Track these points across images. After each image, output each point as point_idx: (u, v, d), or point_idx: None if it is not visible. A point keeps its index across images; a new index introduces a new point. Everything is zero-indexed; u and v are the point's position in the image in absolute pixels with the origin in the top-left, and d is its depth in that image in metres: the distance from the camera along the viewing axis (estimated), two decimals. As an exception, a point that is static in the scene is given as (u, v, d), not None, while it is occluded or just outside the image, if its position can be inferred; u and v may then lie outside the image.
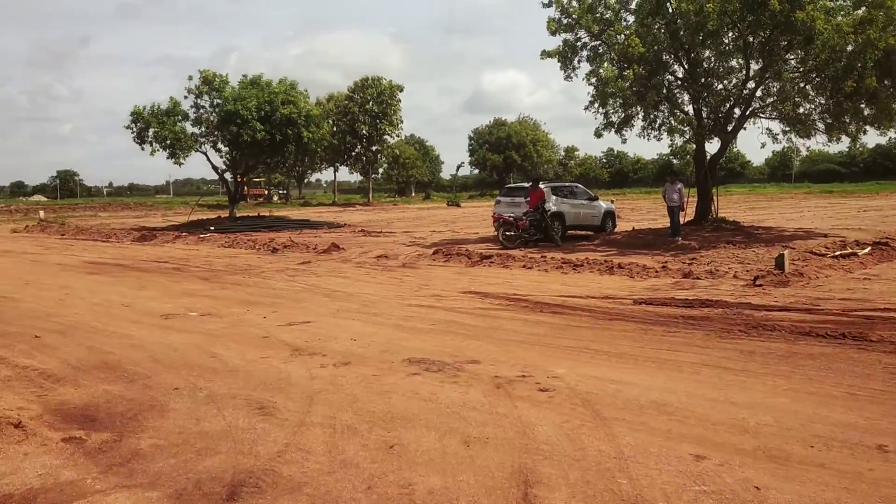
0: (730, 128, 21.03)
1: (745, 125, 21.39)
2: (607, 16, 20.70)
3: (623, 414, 5.53)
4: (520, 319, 9.59)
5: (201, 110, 32.59)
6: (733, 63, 21.05)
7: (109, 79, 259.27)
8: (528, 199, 20.82)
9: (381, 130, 70.71)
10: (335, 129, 67.38)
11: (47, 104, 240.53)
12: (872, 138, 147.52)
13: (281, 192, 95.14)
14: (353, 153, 75.00)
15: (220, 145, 33.27)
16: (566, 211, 21.87)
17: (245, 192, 66.02)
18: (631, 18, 20.82)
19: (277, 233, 27.92)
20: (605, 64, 20.24)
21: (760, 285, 11.84)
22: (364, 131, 70.92)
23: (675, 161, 68.80)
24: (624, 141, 22.89)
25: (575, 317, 9.73)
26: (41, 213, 45.30)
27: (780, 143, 22.32)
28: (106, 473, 4.48)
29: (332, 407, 5.81)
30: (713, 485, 4.18)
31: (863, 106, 19.13)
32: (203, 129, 32.58)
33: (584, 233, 22.95)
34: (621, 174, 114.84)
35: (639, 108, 21.54)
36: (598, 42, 21.08)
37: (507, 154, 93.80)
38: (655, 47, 19.73)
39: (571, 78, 21.96)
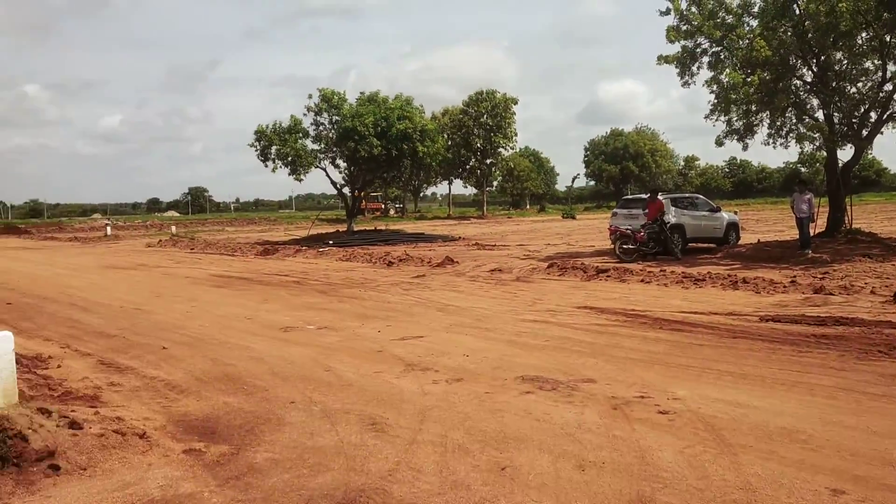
0: (864, 133, 19.77)
1: (881, 130, 20.05)
2: (729, 20, 19.92)
3: (750, 441, 5.19)
4: (638, 336, 9.26)
5: (321, 127, 33.66)
6: (868, 65, 19.79)
7: (237, 99, 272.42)
8: (647, 210, 20.25)
9: (495, 143, 70.88)
10: (450, 142, 68.06)
11: (181, 125, 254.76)
12: None
13: (397, 205, 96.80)
14: (468, 166, 75.49)
15: (338, 161, 34.22)
16: (686, 223, 21.14)
17: (362, 206, 67.63)
18: (754, 22, 19.97)
19: (393, 246, 28.35)
20: (728, 70, 19.46)
21: (902, 302, 11.01)
22: (478, 144, 71.30)
23: (803, 169, 65.77)
24: (745, 149, 21.96)
25: (697, 334, 9.31)
26: (173, 229, 47.86)
27: (922, 148, 20.78)
28: (223, 487, 4.57)
29: (444, 425, 5.74)
30: (854, 524, 3.84)
31: None
32: (322, 145, 33.60)
33: (705, 246, 22.12)
34: (745, 184, 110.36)
35: (763, 115, 20.60)
36: (720, 48, 20.31)
37: (623, 165, 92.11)
38: (782, 51, 18.82)
39: (689, 85, 21.31)
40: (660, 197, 20.61)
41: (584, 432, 5.47)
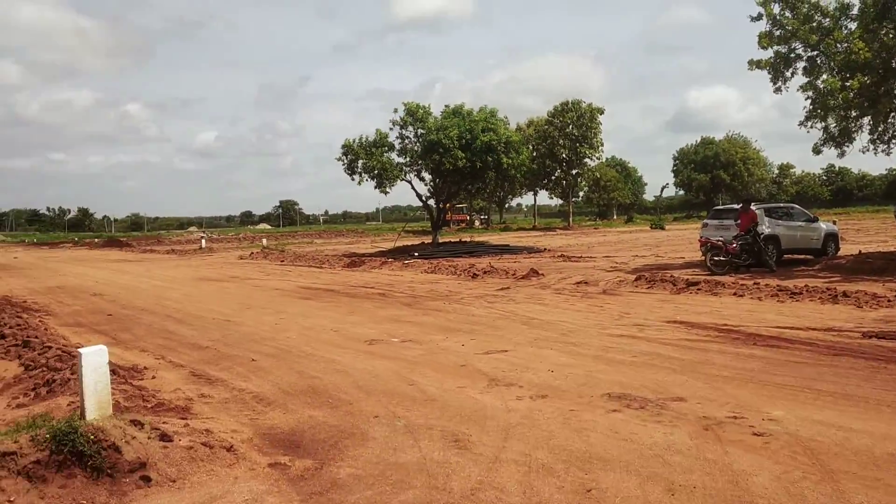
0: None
1: None
2: (825, 24, 19.13)
3: (853, 467, 4.89)
4: (730, 353, 8.91)
5: (406, 141, 33.98)
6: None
7: (325, 114, 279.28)
8: (739, 221, 19.59)
9: (581, 154, 70.26)
10: (535, 153, 67.78)
11: (272, 140, 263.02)
12: None
13: (482, 217, 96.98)
14: (553, 177, 75.08)
15: (423, 174, 34.49)
16: (781, 233, 20.34)
17: (447, 217, 67.98)
18: (853, 25, 19.11)
19: (478, 258, 28.32)
20: (825, 75, 18.68)
21: None
22: (564, 155, 70.80)
23: (908, 176, 62.50)
24: (842, 156, 20.99)
25: (794, 351, 8.89)
26: (264, 241, 49.14)
27: None
28: (306, 502, 4.59)
29: (528, 443, 5.63)
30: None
31: None
32: (408, 158, 33.91)
33: (802, 257, 21.23)
34: (844, 192, 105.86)
35: (863, 121, 19.67)
36: (816, 52, 19.52)
37: (714, 174, 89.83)
38: (884, 54, 17.93)
39: (782, 91, 20.53)
40: (753, 207, 19.90)
41: (673, 454, 5.27)
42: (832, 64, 18.88)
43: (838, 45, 18.55)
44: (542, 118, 73.33)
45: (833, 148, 20.51)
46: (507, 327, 11.51)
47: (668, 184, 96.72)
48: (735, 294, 14.40)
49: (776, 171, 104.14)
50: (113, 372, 7.87)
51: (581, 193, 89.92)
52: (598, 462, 5.16)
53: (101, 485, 4.57)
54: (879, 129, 19.94)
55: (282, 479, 5.01)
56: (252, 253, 38.24)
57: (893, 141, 19.96)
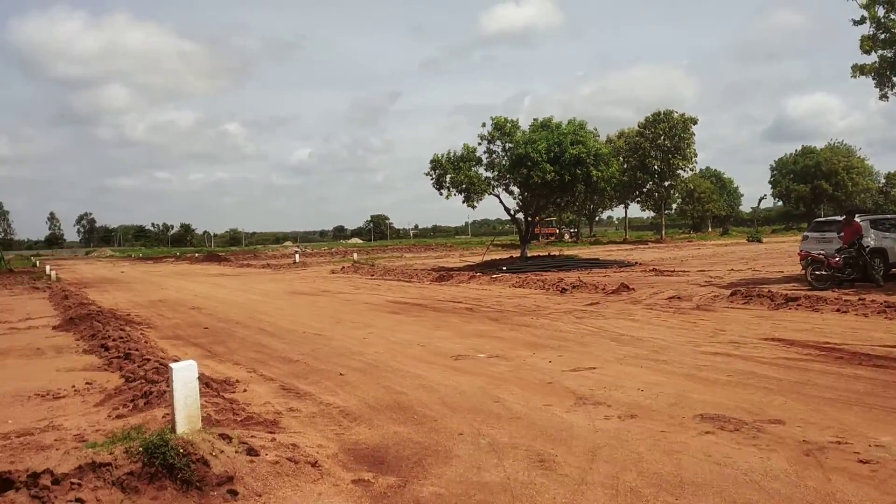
0: None
1: None
2: (936, 23, 18.15)
3: (972, 500, 4.54)
4: (833, 373, 8.46)
5: (493, 155, 33.96)
6: None
7: (415, 129, 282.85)
8: (842, 233, 18.68)
9: (673, 165, 68.79)
10: (625, 165, 66.80)
11: (364, 156, 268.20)
12: None
13: (572, 230, 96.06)
14: (645, 189, 73.72)
15: (511, 187, 34.36)
16: (889, 246, 19.29)
17: (536, 231, 67.56)
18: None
19: (567, 272, 28.00)
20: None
21: None
22: (655, 167, 69.44)
23: None
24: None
25: (903, 372, 8.37)
26: (354, 255, 50.00)
27: None
28: (388, 520, 4.57)
29: (615, 465, 5.47)
30: None
31: None
32: (495, 172, 33.86)
33: (912, 271, 20.08)
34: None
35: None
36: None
37: (815, 184, 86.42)
38: None
39: (888, 97, 19.52)
40: (857, 219, 18.96)
41: (770, 480, 5.01)
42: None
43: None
44: (633, 129, 72.23)
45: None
46: (596, 344, 11.28)
47: (765, 195, 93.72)
48: (838, 310, 13.71)
49: (883, 181, 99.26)
50: (206, 385, 8.12)
51: (674, 206, 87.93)
52: (690, 487, 4.95)
53: (190, 497, 4.67)
54: None
55: (365, 496, 5.01)
56: (343, 267, 38.93)
57: None
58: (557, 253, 42.67)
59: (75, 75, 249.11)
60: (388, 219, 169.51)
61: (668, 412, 6.95)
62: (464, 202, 33.88)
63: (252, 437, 5.69)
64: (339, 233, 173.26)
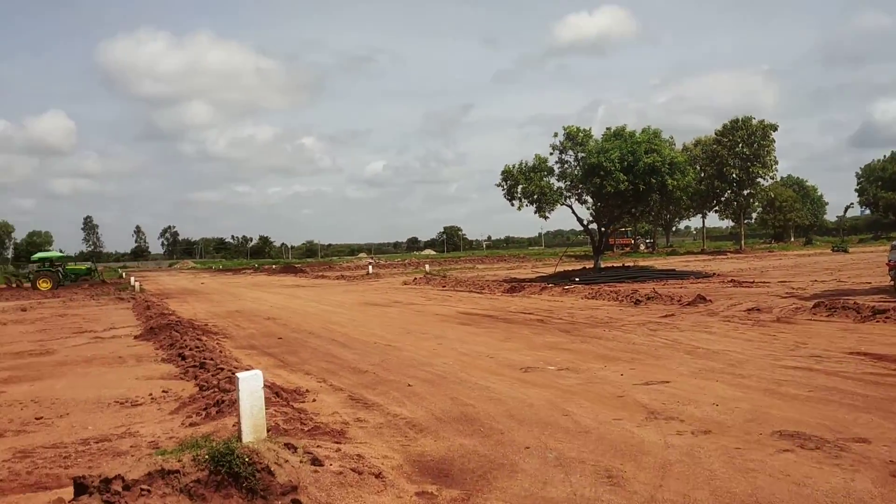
0: None
1: None
2: None
3: None
4: (924, 389, 8.01)
5: (565, 165, 33.63)
6: None
7: (488, 141, 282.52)
8: (934, 242, 17.78)
9: (752, 173, 66.95)
10: (702, 174, 65.35)
11: (437, 167, 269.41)
12: None
13: (648, 241, 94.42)
14: (723, 198, 71.93)
15: (584, 197, 33.94)
16: None
17: (611, 242, 66.64)
18: None
19: (641, 284, 27.48)
20: None
21: None
22: (734, 175, 67.68)
23: None
24: None
25: None
26: (426, 267, 50.26)
27: None
28: (450, 534, 4.51)
29: (687, 482, 5.28)
30: None
31: None
32: (568, 182, 33.52)
33: None
34: None
35: None
36: None
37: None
38: None
39: None
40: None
41: (853, 502, 4.75)
42: None
43: None
44: (710, 137, 70.66)
45: None
46: (670, 356, 10.99)
47: (852, 203, 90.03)
48: (930, 323, 13.03)
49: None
50: (276, 394, 8.23)
51: (754, 215, 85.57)
52: (766, 508, 4.73)
53: (254, 506, 4.71)
54: None
55: (428, 508, 4.96)
56: (415, 278, 39.14)
57: None
58: (632, 264, 41.96)
59: (159, 93, 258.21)
60: (460, 230, 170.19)
61: (745, 428, 6.68)
62: (535, 213, 33.65)
63: (318, 446, 5.71)
64: (413, 244, 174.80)
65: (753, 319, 15.11)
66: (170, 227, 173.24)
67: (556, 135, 33.75)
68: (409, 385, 9.51)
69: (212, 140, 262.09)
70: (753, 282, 26.03)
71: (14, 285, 48.27)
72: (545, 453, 6.17)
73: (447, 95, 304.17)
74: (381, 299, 26.56)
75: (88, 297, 34.73)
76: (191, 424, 7.60)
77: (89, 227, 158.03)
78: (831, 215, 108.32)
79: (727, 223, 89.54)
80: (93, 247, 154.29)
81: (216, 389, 8.69)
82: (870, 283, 22.66)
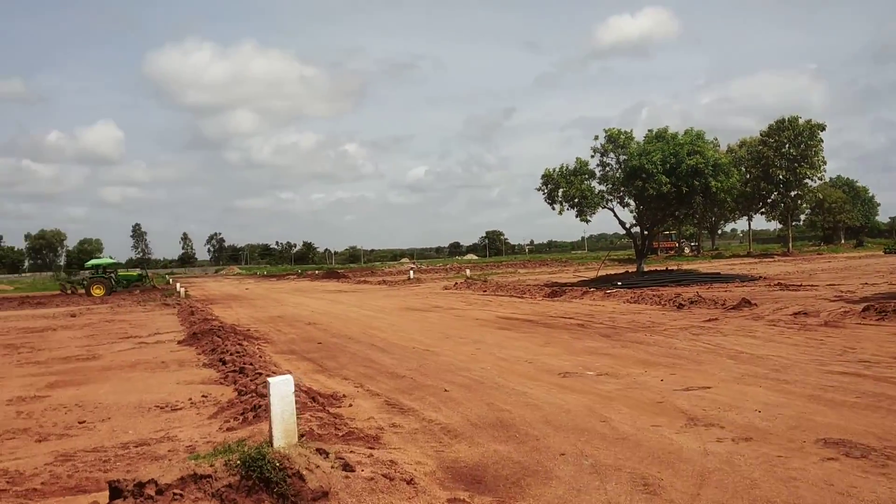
0: None
1: None
2: None
3: None
4: (978, 396, 7.72)
5: (607, 168, 33.34)
6: None
7: (530, 145, 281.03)
8: None
9: (799, 174, 65.59)
10: (747, 175, 64.27)
11: (479, 172, 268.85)
12: None
13: (692, 244, 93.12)
14: (769, 200, 70.62)
15: (626, 200, 33.60)
16: None
17: (655, 245, 65.85)
18: None
19: (685, 287, 27.07)
20: None
21: None
22: (780, 176, 66.38)
23: None
24: None
25: None
26: (467, 272, 50.19)
27: None
28: (480, 542, 4.45)
29: (725, 491, 5.14)
30: None
31: None
32: (609, 185, 33.21)
33: None
34: None
35: None
36: None
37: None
38: None
39: None
40: None
41: (901, 514, 4.58)
42: None
43: None
44: (755, 138, 69.44)
45: None
46: (712, 362, 10.77)
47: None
48: None
49: None
50: (312, 399, 8.26)
51: (802, 217, 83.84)
52: (807, 518, 4.59)
53: (285, 511, 4.71)
54: None
55: (459, 515, 4.91)
56: (456, 283, 39.10)
57: None
58: (675, 267, 41.36)
59: (205, 102, 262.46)
60: (502, 235, 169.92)
61: (787, 436, 6.50)
62: (577, 217, 33.40)
63: (351, 452, 5.70)
64: (455, 249, 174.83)
65: (800, 323, 14.76)
66: (216, 233, 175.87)
67: (596, 137, 33.57)
68: (446, 390, 9.47)
69: (256, 148, 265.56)
70: (801, 285, 25.47)
71: (69, 292, 49.49)
72: (581, 460, 6.07)
73: (489, 100, 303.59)
74: (421, 304, 26.58)
75: (135, 303, 35.40)
76: (228, 429, 7.65)
77: (138, 234, 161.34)
78: (884, 216, 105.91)
79: (775, 225, 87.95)
80: (141, 254, 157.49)
81: (254, 394, 8.74)
82: (923, 285, 22.00)
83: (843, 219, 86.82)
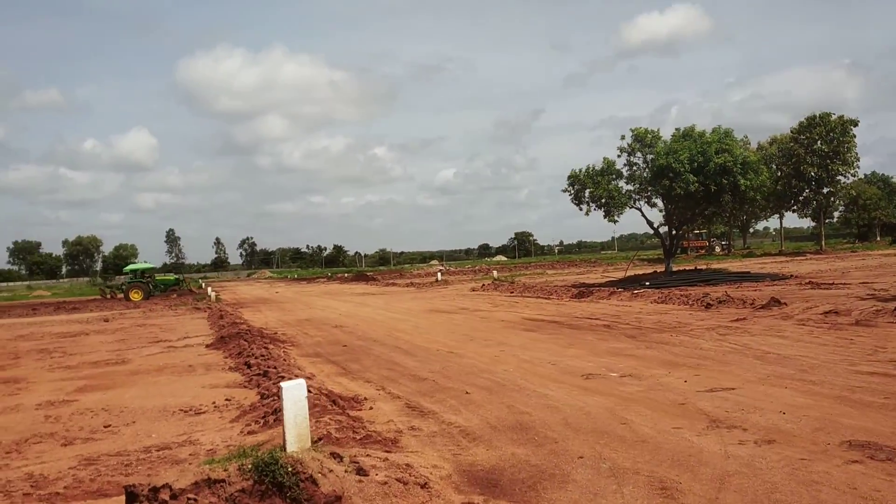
0: None
1: None
2: None
3: None
4: None
5: (634, 167, 33.07)
6: None
7: (558, 146, 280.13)
8: None
9: (832, 171, 64.53)
10: (779, 173, 63.42)
11: (507, 174, 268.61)
12: None
13: (723, 242, 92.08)
14: (801, 198, 69.59)
15: (654, 200, 33.32)
16: None
17: (685, 244, 65.24)
18: None
19: (713, 287, 26.75)
20: None
21: None
22: (812, 173, 65.36)
23: None
24: None
25: None
26: (494, 273, 50.07)
27: None
28: (493, 547, 4.42)
29: (745, 495, 5.06)
30: None
31: None
32: (636, 185, 32.95)
33: None
34: None
35: None
36: None
37: None
38: None
39: None
40: None
41: (925, 518, 4.47)
42: None
43: None
44: (786, 135, 68.49)
45: None
46: (738, 362, 10.62)
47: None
48: None
49: None
50: (333, 402, 8.28)
51: (836, 214, 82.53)
52: (828, 523, 4.50)
53: (298, 515, 4.72)
54: None
55: (473, 520, 4.89)
56: (483, 285, 39.03)
57: None
58: (705, 267, 40.90)
59: (237, 109, 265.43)
60: (531, 235, 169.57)
61: (812, 438, 6.39)
62: (604, 217, 33.17)
63: (367, 455, 5.70)
64: (484, 251, 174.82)
65: (830, 323, 14.51)
66: (248, 238, 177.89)
67: (623, 137, 33.28)
68: (467, 393, 9.44)
69: (287, 152, 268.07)
70: (833, 283, 25.05)
71: (108, 296, 50.33)
72: (599, 463, 6.02)
73: (517, 101, 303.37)
74: (447, 306, 26.57)
75: (167, 308, 35.84)
76: (249, 433, 7.70)
77: (172, 239, 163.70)
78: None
79: (807, 223, 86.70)
80: (175, 258, 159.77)
81: (275, 398, 8.78)
82: (959, 283, 21.52)
83: (879, 216, 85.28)
